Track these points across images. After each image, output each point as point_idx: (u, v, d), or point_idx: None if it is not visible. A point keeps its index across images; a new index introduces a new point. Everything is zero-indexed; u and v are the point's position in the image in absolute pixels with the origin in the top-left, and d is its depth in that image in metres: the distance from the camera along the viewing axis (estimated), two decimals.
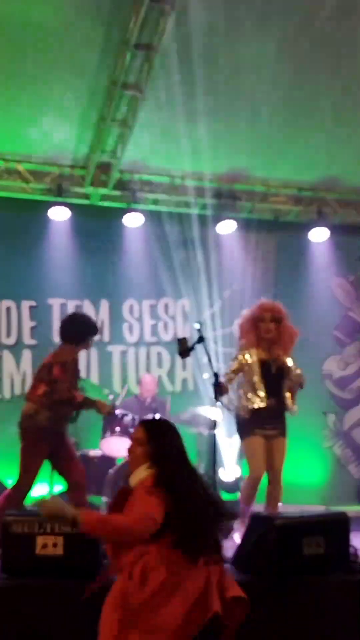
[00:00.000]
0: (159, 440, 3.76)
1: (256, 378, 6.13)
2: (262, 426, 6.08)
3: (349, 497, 9.31)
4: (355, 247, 9.96)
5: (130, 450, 3.80)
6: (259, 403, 6.06)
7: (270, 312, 6.24)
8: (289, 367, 6.19)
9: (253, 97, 7.36)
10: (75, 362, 5.85)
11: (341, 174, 8.99)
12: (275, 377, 6.15)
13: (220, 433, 6.32)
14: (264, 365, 6.16)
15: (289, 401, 6.20)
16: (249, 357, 6.21)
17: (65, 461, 5.79)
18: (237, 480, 8.13)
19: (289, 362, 6.22)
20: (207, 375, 6.31)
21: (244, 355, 6.23)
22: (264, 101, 7.44)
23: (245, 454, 6.27)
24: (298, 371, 6.22)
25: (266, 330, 6.18)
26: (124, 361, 9.19)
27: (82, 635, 4.08)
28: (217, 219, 9.17)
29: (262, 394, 6.08)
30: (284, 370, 6.18)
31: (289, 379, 6.18)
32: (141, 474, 3.69)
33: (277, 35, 6.55)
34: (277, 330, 6.20)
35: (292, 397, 6.22)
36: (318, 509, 8.42)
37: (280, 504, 6.18)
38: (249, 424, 6.12)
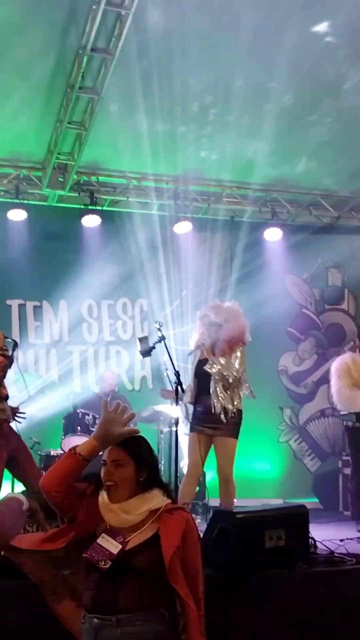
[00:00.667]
0: (149, 456, 3.37)
1: (190, 377, 6.20)
2: (200, 424, 6.08)
3: (305, 490, 9.42)
4: (308, 246, 10.06)
5: (107, 475, 3.28)
6: (190, 402, 6.12)
7: (214, 315, 6.23)
8: (221, 366, 6.08)
9: (207, 100, 7.40)
10: None
11: (293, 175, 9.08)
12: (206, 377, 6.09)
13: (181, 430, 6.32)
14: (200, 365, 6.17)
15: (223, 402, 6.05)
16: (193, 358, 6.29)
17: (23, 465, 5.77)
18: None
19: (224, 360, 6.10)
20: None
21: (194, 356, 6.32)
22: (216, 104, 7.48)
23: None
24: (225, 371, 6.08)
25: (210, 333, 6.18)
26: (84, 360, 9.18)
27: (55, 634, 4.06)
28: (174, 219, 9.21)
29: (189, 393, 6.11)
30: (215, 370, 6.09)
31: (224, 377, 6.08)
32: (158, 501, 3.28)
33: (229, 39, 6.59)
34: (220, 331, 6.16)
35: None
36: (276, 502, 8.50)
37: (235, 500, 6.13)
38: (191, 421, 6.19)
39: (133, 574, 3.13)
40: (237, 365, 6.07)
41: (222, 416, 5.95)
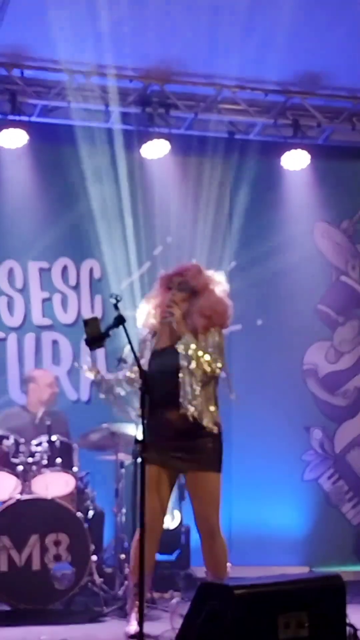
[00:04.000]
0: None
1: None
2: (162, 450, 6.27)
3: (344, 553, 9.52)
4: (349, 179, 10.08)
5: None
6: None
7: (190, 276, 6.46)
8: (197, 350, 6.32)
9: None
10: None
11: (326, 68, 9.10)
12: (168, 374, 6.30)
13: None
14: (157, 356, 6.45)
15: (199, 408, 6.26)
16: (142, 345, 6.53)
17: None
18: (178, 532, 8.20)
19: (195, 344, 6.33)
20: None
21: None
22: None
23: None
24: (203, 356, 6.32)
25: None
26: (2, 355, 9.26)
27: None
28: (142, 136, 9.26)
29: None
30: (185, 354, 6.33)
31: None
32: None
33: None
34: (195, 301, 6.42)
35: None
36: (299, 571, 8.57)
37: (228, 564, 6.34)
38: (140, 446, 6.16)
39: None
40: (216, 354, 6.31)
41: (199, 432, 6.17)
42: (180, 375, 6.21)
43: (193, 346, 6.22)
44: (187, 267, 6.60)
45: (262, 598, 4.99)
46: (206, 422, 6.19)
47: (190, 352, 6.21)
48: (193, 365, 6.20)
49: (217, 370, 6.29)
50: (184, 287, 6.39)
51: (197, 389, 6.20)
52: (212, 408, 6.27)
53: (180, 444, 6.20)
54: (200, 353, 6.22)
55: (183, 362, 6.22)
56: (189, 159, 9.59)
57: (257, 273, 8.44)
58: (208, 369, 6.22)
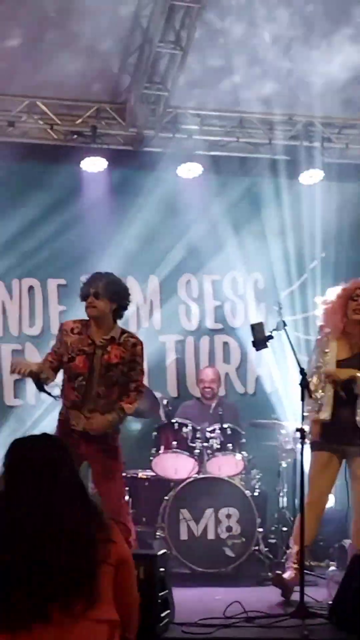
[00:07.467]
0: None
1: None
2: (333, 440, 6.54)
3: None
4: None
5: None
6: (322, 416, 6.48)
7: None
8: None
9: None
10: None
11: None
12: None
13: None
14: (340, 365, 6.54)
15: None
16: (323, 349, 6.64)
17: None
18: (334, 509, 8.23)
19: None
20: None
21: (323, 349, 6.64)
22: None
23: None
24: None
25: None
26: (181, 354, 9.54)
27: None
28: (299, 165, 9.46)
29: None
30: None
31: None
32: None
33: None
34: None
35: None
36: None
37: None
38: (315, 436, 6.59)
39: None
40: None
41: None
42: None
43: None
44: None
45: None
46: None
47: None
48: None
49: None
50: None
51: None
52: None
53: (353, 437, 6.42)
54: None
55: None
56: (343, 185, 9.72)
57: None
58: None
